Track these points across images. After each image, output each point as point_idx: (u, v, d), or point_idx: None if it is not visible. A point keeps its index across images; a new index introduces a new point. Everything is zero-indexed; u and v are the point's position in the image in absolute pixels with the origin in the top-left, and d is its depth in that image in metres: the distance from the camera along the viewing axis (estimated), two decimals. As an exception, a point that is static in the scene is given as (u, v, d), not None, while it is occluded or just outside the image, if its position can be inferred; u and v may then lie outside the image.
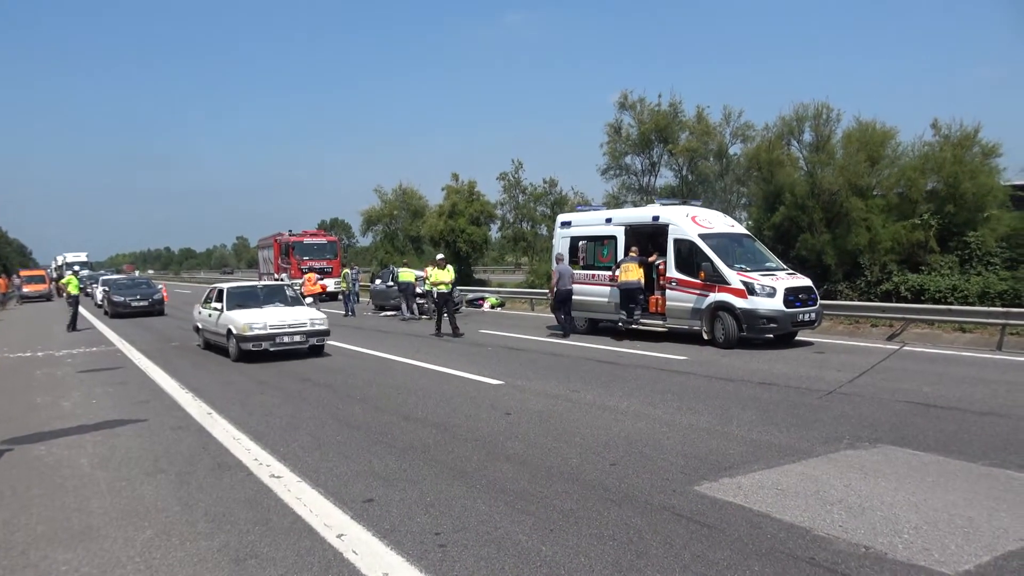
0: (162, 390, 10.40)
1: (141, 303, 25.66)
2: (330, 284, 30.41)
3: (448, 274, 17.17)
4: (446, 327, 16.51)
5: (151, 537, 4.70)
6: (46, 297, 40.57)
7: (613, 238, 15.66)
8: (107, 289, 27.22)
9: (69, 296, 21.17)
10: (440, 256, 18.56)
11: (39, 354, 15.25)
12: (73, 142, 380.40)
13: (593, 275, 15.88)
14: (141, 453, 6.88)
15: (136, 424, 8.15)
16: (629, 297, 14.65)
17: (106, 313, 26.47)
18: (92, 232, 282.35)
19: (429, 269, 18.43)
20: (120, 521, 5.02)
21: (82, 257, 57.72)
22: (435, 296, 17.10)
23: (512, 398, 9.00)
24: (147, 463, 6.51)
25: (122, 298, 25.62)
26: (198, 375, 11.66)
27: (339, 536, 4.59)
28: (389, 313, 23.74)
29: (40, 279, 42.48)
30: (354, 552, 4.33)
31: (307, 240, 33.86)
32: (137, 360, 13.72)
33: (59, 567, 4.31)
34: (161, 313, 25.62)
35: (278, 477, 5.92)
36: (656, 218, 14.87)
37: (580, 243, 16.48)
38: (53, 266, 61.63)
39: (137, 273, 48.64)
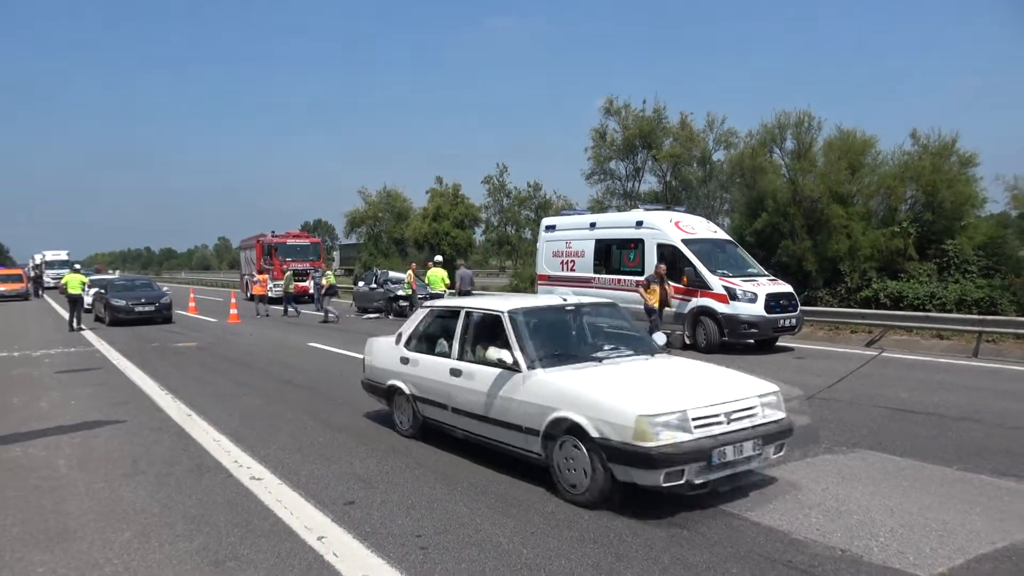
0: (141, 391, 10.30)
1: (146, 308, 21.69)
2: (279, 285, 27.54)
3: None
4: None
5: (129, 539, 4.66)
6: (23, 296, 40.00)
7: (606, 241, 15.64)
8: (103, 291, 22.91)
9: (69, 295, 20.09)
10: (438, 257, 18.44)
11: (15, 354, 15.04)
12: (52, 140, 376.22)
13: (619, 280, 15.40)
14: (120, 454, 6.81)
15: (114, 425, 8.07)
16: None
17: (98, 319, 22.81)
18: (71, 231, 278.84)
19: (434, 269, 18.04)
20: (98, 523, 4.98)
21: (62, 255, 56.68)
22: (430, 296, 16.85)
23: (495, 401, 8.99)
24: (126, 464, 6.45)
25: (123, 302, 21.57)
26: (177, 376, 11.55)
27: (320, 538, 4.58)
28: (372, 315, 23.71)
29: (17, 278, 41.85)
30: (335, 555, 4.33)
31: (290, 241, 33.64)
32: (116, 361, 13.56)
33: (35, 568, 4.26)
34: (169, 320, 21.99)
35: (258, 479, 5.89)
36: (640, 223, 14.96)
37: (602, 246, 16.29)
38: (31, 264, 60.69)
39: (117, 272, 47.86)
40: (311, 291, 27.44)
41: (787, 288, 13.99)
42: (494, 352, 5.83)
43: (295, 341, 16.41)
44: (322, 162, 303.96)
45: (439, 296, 16.39)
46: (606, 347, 6.39)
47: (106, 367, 12.86)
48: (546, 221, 18.24)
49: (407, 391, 7.09)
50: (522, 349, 5.76)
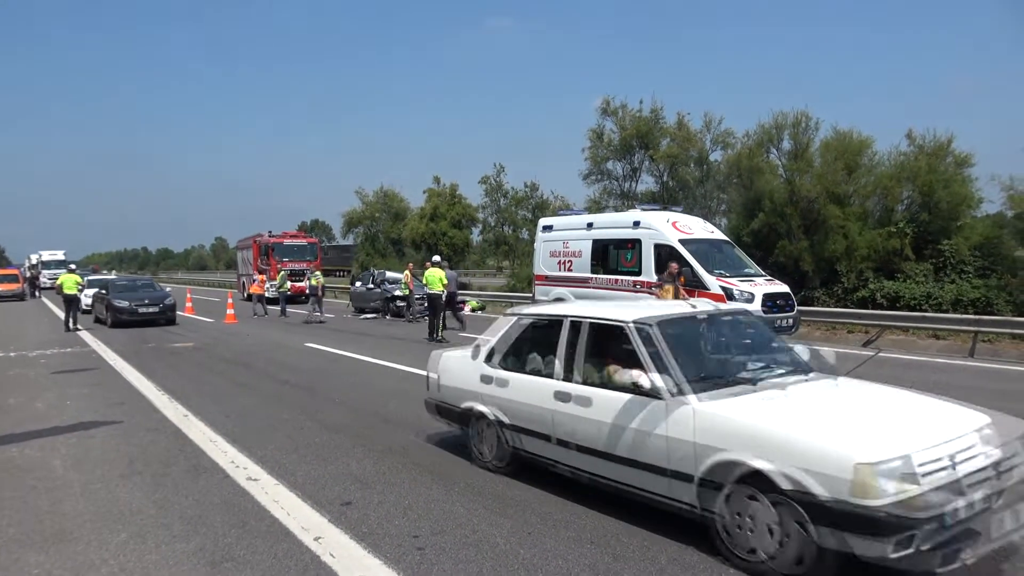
0: (138, 392, 10.27)
1: (150, 309, 20.93)
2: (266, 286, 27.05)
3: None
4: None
5: (125, 540, 4.65)
6: (19, 296, 39.90)
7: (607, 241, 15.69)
8: (104, 292, 22.12)
9: (65, 295, 20.05)
10: (436, 257, 18.38)
11: (11, 354, 15.00)
12: (50, 140, 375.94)
13: (616, 280, 15.39)
14: (116, 455, 6.79)
15: (111, 426, 8.05)
16: None
17: (98, 320, 22.19)
18: (68, 231, 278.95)
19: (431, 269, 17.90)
20: (94, 523, 4.96)
21: (59, 255, 56.41)
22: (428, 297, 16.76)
23: (492, 401, 8.98)
24: (122, 465, 6.43)
25: (126, 303, 20.74)
26: (174, 377, 11.53)
27: (316, 539, 4.57)
28: (369, 315, 23.70)
29: (13, 278, 41.73)
30: (331, 555, 4.32)
31: (287, 242, 33.62)
32: (112, 361, 13.53)
33: (31, 570, 4.24)
34: (172, 322, 21.29)
35: (255, 480, 5.88)
36: (637, 223, 14.98)
37: (600, 246, 16.18)
38: (27, 264, 60.51)
39: (113, 273, 47.69)
40: (307, 291, 27.43)
41: (784, 288, 14.02)
42: (625, 374, 4.70)
43: (292, 341, 16.39)
44: (320, 162, 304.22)
45: (437, 296, 16.35)
46: (752, 365, 5.13)
47: (102, 367, 12.84)
48: (543, 221, 18.25)
49: (493, 417, 5.88)
50: (664, 370, 4.53)
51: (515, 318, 6.11)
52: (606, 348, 5.17)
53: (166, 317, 21.15)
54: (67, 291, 20.04)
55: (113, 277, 28.43)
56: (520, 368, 5.77)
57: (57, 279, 22.76)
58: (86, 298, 24.04)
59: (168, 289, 26.53)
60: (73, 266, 25.75)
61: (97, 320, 22.39)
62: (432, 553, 4.33)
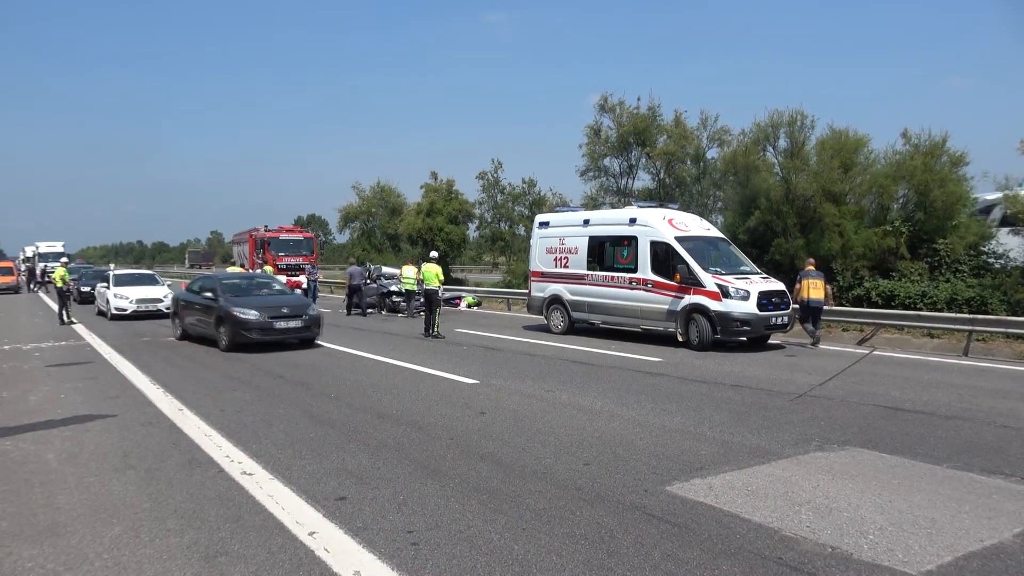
0: (133, 385, 10.26)
1: (290, 324, 13.98)
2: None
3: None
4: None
5: (119, 533, 4.65)
6: (14, 289, 39.70)
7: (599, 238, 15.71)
8: (211, 296, 14.78)
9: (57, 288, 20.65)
10: (434, 253, 18.35)
11: (5, 347, 14.96)
12: (43, 131, 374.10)
13: (612, 277, 15.35)
14: (110, 449, 6.78)
15: (105, 420, 8.03)
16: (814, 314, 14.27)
17: (187, 336, 15.59)
18: (62, 224, 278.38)
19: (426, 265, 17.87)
20: (88, 517, 4.95)
21: (57, 247, 55.82)
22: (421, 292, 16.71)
23: (487, 397, 9.01)
24: (116, 459, 6.42)
25: (254, 314, 13.72)
26: (169, 371, 11.51)
27: (311, 534, 4.57)
28: (368, 311, 23.66)
29: (7, 271, 41.50)
30: (326, 550, 4.32)
31: (283, 236, 33.55)
32: (107, 355, 13.51)
33: (24, 563, 4.24)
34: (311, 342, 14.61)
35: (250, 474, 5.87)
36: (633, 220, 14.98)
37: (597, 243, 16.07)
38: (21, 256, 60.15)
39: (112, 266, 46.80)
40: (304, 286, 27.38)
41: (779, 286, 14.04)
42: None
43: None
44: (316, 157, 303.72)
45: (433, 292, 16.37)
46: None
47: (97, 361, 12.81)
48: (540, 218, 18.23)
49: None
50: None
51: None
52: None
53: (310, 335, 14.48)
54: (57, 284, 20.45)
55: (223, 274, 18.93)
56: None
57: (53, 272, 22.96)
58: (113, 297, 21.08)
59: (300, 290, 19.65)
60: (65, 259, 25.74)
61: (186, 335, 15.65)
62: (427, 548, 4.33)
